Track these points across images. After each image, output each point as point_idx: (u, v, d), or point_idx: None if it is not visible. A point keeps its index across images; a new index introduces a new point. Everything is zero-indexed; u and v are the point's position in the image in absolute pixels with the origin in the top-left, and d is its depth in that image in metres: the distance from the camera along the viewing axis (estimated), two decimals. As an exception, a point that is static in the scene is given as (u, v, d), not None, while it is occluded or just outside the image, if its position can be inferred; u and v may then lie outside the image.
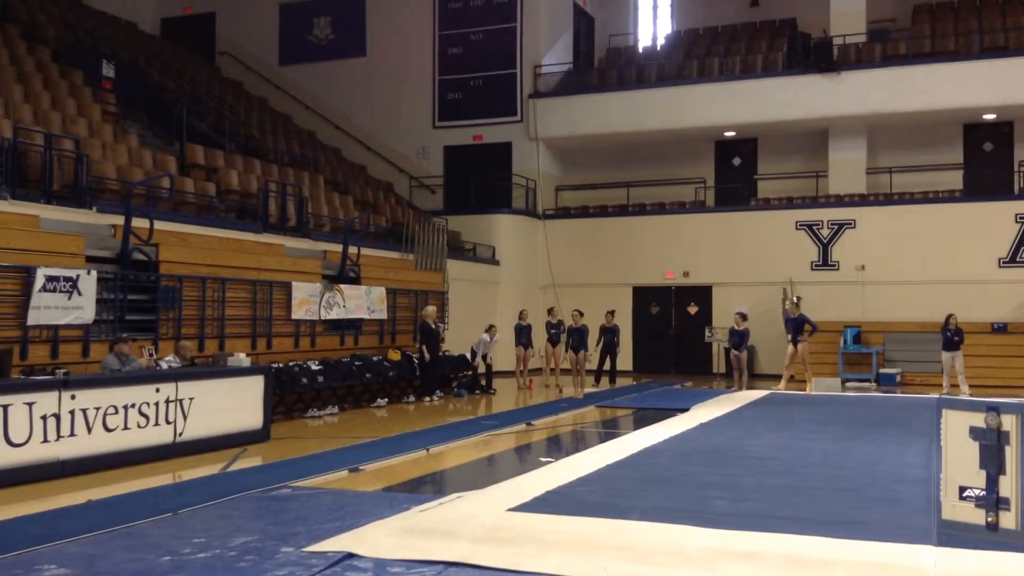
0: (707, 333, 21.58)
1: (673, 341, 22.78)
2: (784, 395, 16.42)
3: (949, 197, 21.10)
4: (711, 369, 21.75)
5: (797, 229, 21.59)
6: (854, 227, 21.17)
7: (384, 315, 15.95)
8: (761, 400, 15.33)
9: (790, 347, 17.47)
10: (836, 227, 21.32)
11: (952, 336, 17.01)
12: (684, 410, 13.44)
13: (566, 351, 18.09)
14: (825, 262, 21.36)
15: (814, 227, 21.50)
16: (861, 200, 21.62)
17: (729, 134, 23.40)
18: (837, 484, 7.71)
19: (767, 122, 22.21)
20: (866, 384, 19.15)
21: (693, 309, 22.62)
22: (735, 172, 23.91)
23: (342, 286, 15.01)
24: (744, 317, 17.99)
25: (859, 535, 5.69)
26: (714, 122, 22.46)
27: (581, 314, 17.99)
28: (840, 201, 21.69)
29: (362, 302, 15.38)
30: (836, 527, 5.93)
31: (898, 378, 19.34)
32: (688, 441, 10.33)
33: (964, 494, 5.56)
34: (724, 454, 9.35)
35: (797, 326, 17.25)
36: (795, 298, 17.90)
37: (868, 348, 19.87)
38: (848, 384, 19.00)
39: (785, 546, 5.43)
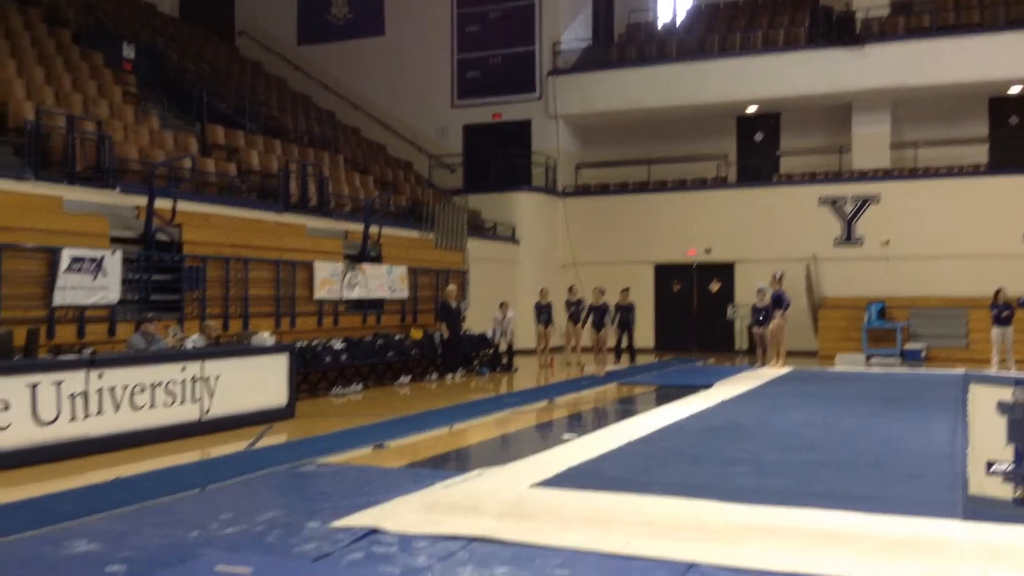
0: (729, 310, 21.51)
1: (695, 318, 22.71)
2: (807, 372, 16.35)
3: (974, 171, 20.86)
4: (733, 346, 21.69)
5: (820, 205, 21.42)
6: (878, 202, 20.97)
7: (405, 294, 15.99)
8: (784, 377, 15.27)
9: (770, 323, 17.35)
10: (860, 202, 21.13)
11: (1002, 312, 16.74)
12: (706, 387, 13.41)
13: (581, 327, 18.03)
14: (849, 238, 21.19)
15: (837, 202, 21.31)
16: (885, 175, 21.40)
17: (751, 109, 23.19)
18: (861, 460, 7.68)
19: (789, 97, 21.98)
20: (891, 360, 19.01)
21: (715, 286, 22.52)
22: (757, 148, 23.72)
23: (364, 265, 15.06)
24: (767, 293, 17.87)
25: (884, 510, 5.65)
26: (736, 97, 22.26)
27: (603, 292, 17.95)
28: (864, 176, 21.49)
29: (383, 281, 15.42)
30: (861, 502, 5.89)
31: (923, 354, 19.19)
32: (710, 418, 10.32)
33: (991, 468, 5.54)
34: (747, 430, 9.33)
35: (775, 302, 17.11)
36: (778, 273, 17.74)
37: (893, 324, 19.72)
38: (872, 360, 18.87)
39: (809, 521, 5.41)
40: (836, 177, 21.89)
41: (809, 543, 4.97)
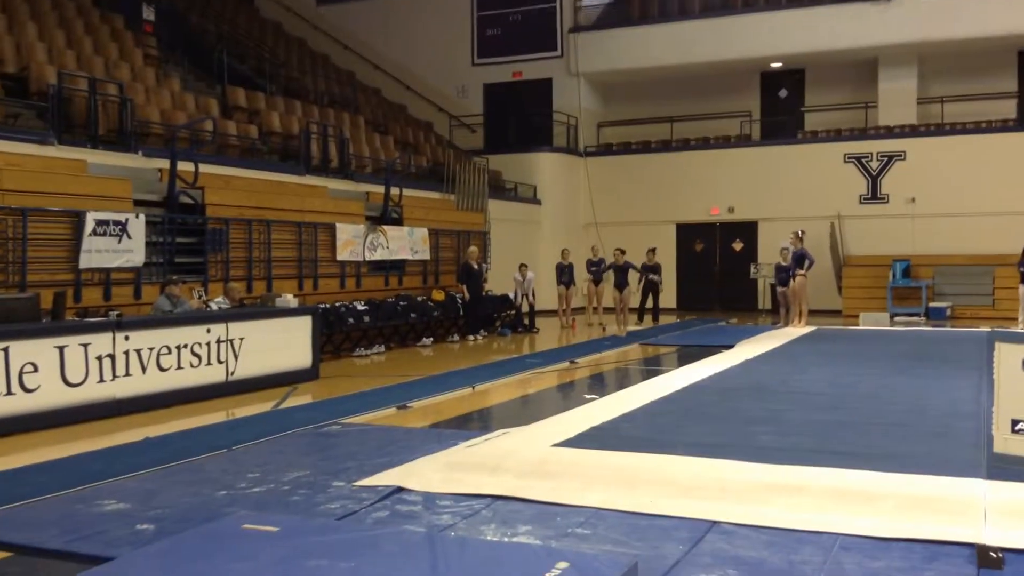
0: (752, 269, 21.41)
1: (717, 278, 22.62)
2: (831, 331, 16.29)
3: (1002, 126, 20.53)
4: (756, 306, 21.62)
5: (845, 162, 21.18)
6: (904, 159, 20.71)
7: (427, 256, 16.02)
8: (807, 336, 15.22)
9: (792, 282, 17.24)
10: (885, 159, 20.87)
11: None
12: (729, 347, 13.39)
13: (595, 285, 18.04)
14: (874, 195, 20.97)
15: (863, 159, 21.06)
16: (911, 131, 21.09)
17: (775, 65, 22.86)
18: (885, 418, 7.66)
19: (815, 52, 21.65)
20: (915, 318, 18.90)
21: (738, 245, 22.39)
22: (781, 104, 23.42)
23: (385, 227, 15.08)
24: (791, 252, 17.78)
25: (907, 468, 5.64)
26: (760, 53, 21.95)
27: (623, 252, 17.89)
28: (890, 132, 21.20)
29: (405, 243, 15.45)
30: (884, 461, 5.88)
31: (948, 312, 19.05)
32: (733, 377, 10.31)
33: (1016, 427, 5.51)
34: (769, 390, 9.32)
35: (797, 260, 16.98)
36: (799, 231, 17.58)
37: (918, 282, 19.57)
38: (897, 318, 18.76)
39: (832, 479, 5.41)
40: (862, 134, 21.62)
41: (831, 502, 4.97)
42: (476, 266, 15.94)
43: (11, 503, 5.13)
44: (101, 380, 8.05)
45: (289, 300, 10.83)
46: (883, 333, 15.91)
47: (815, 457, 6.00)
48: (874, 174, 20.97)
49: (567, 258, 18.38)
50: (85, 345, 7.93)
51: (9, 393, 7.27)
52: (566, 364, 12.13)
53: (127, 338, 8.33)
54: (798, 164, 21.53)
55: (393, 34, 24.91)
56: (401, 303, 14.48)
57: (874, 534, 4.45)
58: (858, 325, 17.69)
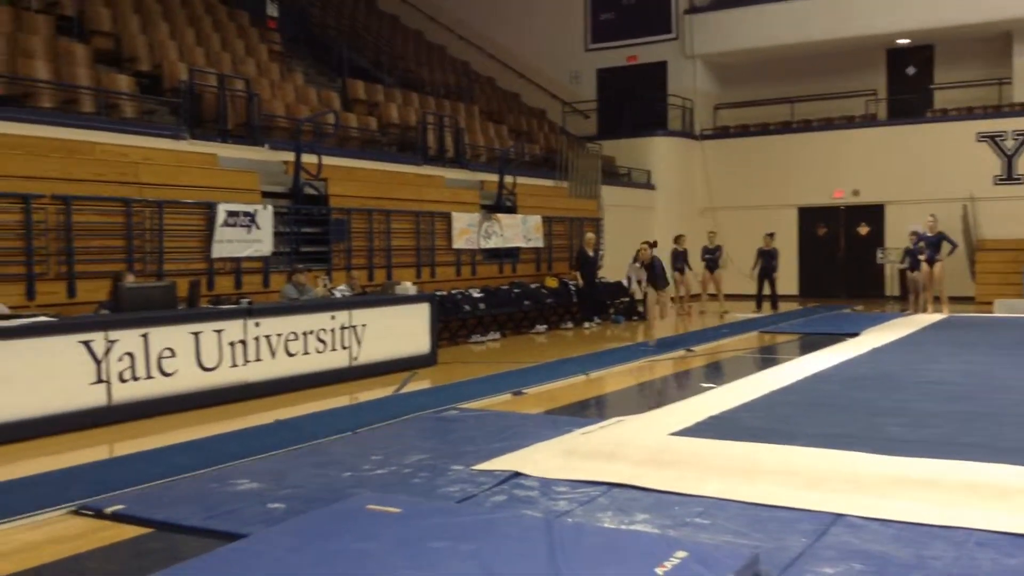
0: (879, 254, 20.68)
1: (842, 264, 21.92)
2: (963, 318, 15.58)
3: None
4: (883, 292, 20.87)
5: (978, 141, 20.15)
6: (1042, 136, 19.60)
7: (540, 243, 16.07)
8: (938, 324, 14.59)
9: (924, 267, 16.47)
10: (1022, 138, 19.76)
11: None
12: (854, 335, 12.97)
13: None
14: (1009, 176, 19.90)
15: (997, 138, 20.00)
16: (1051, 107, 19.92)
17: (902, 41, 21.89)
18: (1021, 410, 7.29)
19: (944, 27, 20.60)
20: (1055, 305, 17.85)
21: (864, 229, 21.64)
22: (909, 82, 22.43)
23: (499, 215, 15.20)
24: (920, 235, 17.09)
25: (1047, 463, 5.37)
26: (885, 29, 21.05)
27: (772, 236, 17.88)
28: (1027, 109, 20.07)
29: (519, 231, 15.54)
30: (1021, 454, 5.60)
31: (1091, 298, 17.94)
32: (859, 366, 9.99)
33: None
34: (898, 379, 8.99)
35: (935, 245, 16.22)
36: (931, 216, 16.78)
37: (1058, 267, 18.48)
38: (1035, 306, 17.78)
39: (967, 473, 5.18)
40: (995, 111, 20.51)
41: (965, 496, 4.77)
42: (591, 253, 15.89)
43: (152, 481, 5.43)
44: (233, 365, 8.42)
45: (408, 288, 11.06)
46: (1019, 321, 15.11)
47: (947, 450, 5.77)
48: (1009, 154, 19.89)
49: (682, 244, 18.14)
50: (218, 331, 8.30)
51: (149, 377, 7.70)
52: (682, 352, 11.99)
53: (257, 324, 8.68)
54: (927, 144, 20.60)
55: (507, 23, 25.00)
56: (515, 290, 14.59)
57: (1011, 530, 4.26)
58: (992, 312, 16.85)
